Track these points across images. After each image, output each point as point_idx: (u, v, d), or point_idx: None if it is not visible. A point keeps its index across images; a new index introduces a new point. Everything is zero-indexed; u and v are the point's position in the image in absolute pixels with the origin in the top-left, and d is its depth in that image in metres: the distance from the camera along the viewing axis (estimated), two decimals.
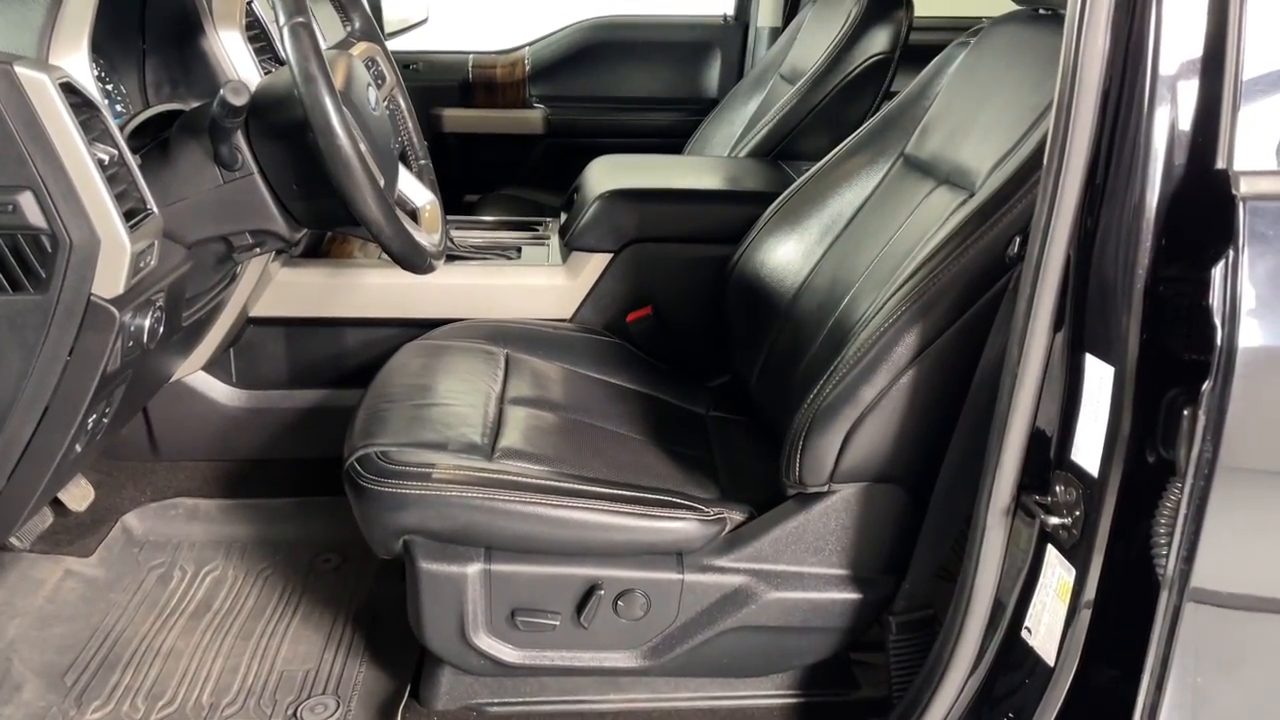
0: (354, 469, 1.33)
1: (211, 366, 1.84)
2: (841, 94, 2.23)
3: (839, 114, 2.23)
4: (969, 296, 1.23)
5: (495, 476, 1.31)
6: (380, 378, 1.59)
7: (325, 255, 1.92)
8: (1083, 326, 1.06)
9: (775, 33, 2.86)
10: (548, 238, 2.02)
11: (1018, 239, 1.20)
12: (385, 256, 1.62)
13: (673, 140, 2.81)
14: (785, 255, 1.70)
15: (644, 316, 1.85)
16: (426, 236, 1.43)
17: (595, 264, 1.87)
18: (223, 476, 1.90)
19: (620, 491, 1.33)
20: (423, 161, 1.61)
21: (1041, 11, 1.50)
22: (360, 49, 1.49)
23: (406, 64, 2.95)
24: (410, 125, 1.60)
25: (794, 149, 2.25)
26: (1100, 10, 0.98)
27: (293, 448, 1.89)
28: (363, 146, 1.24)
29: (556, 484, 1.32)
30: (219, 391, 1.86)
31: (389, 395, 1.52)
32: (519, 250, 1.96)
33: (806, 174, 1.77)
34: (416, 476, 1.29)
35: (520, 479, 1.32)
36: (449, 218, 2.00)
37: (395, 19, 2.93)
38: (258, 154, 1.29)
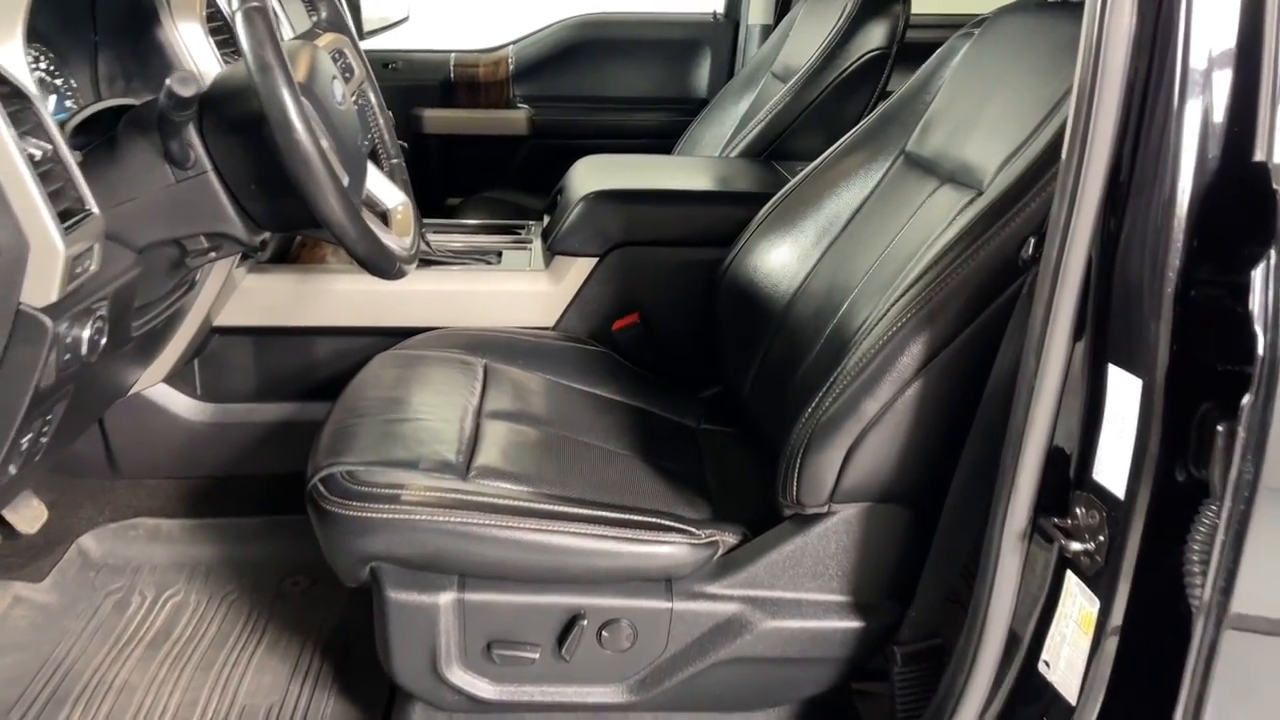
0: (317, 490, 1.23)
1: (174, 378, 1.74)
2: (836, 91, 2.14)
3: (834, 112, 2.15)
4: (979, 302, 1.14)
5: (469, 498, 1.21)
6: (350, 390, 1.49)
7: (295, 260, 1.83)
8: (1106, 335, 0.98)
9: (766, 30, 2.77)
10: (530, 241, 1.93)
11: (1031, 240, 1.11)
12: None
13: (661, 141, 2.72)
14: (779, 259, 1.62)
15: (631, 324, 1.76)
16: (397, 240, 1.34)
17: (579, 269, 1.78)
18: (186, 495, 1.80)
19: (604, 513, 1.24)
20: (395, 161, 1.52)
21: None
22: (326, 40, 1.40)
23: (386, 63, 2.86)
24: (381, 122, 1.51)
25: (787, 149, 2.16)
26: None
27: (261, 463, 1.79)
28: (324, 142, 1.15)
29: (535, 506, 1.22)
30: (182, 405, 1.76)
31: (358, 409, 1.42)
32: (499, 255, 1.86)
33: (801, 174, 1.68)
34: (384, 499, 1.19)
35: (496, 501, 1.22)
36: (426, 221, 1.91)
37: (375, 17, 2.84)
38: (212, 151, 1.19)
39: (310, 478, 1.26)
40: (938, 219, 1.32)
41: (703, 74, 2.95)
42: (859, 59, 2.15)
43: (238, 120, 1.17)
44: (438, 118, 2.86)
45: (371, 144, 1.50)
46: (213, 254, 1.26)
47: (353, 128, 1.32)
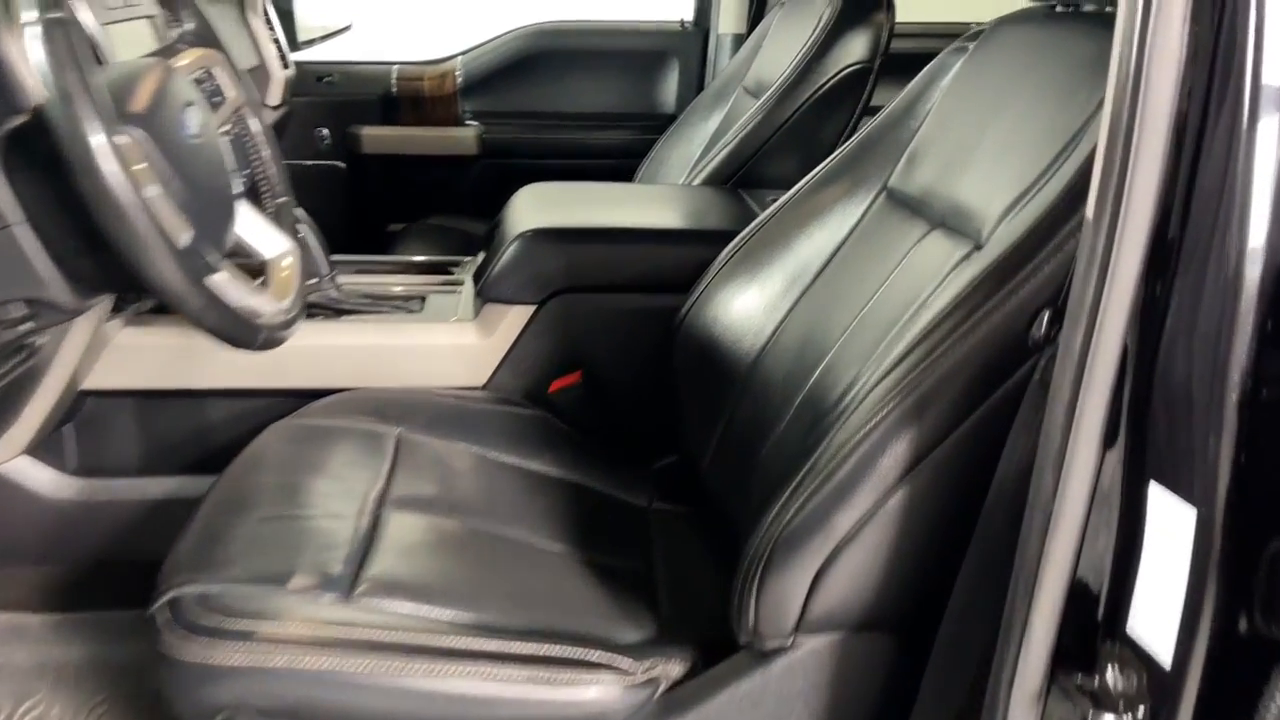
0: (159, 618, 0.99)
1: (38, 450, 1.49)
2: (812, 110, 1.91)
3: (809, 134, 1.91)
4: (979, 390, 0.92)
5: (346, 633, 0.97)
6: (227, 476, 1.25)
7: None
8: (1146, 446, 0.75)
9: (739, 40, 2.54)
10: (462, 283, 1.68)
11: (1045, 314, 0.88)
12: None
13: (625, 161, 2.49)
14: (744, 309, 1.38)
15: (571, 385, 1.52)
16: (272, 301, 1.10)
17: (513, 319, 1.54)
18: (53, 585, 1.54)
19: (518, 646, 1.00)
20: (282, 200, 1.28)
21: (1059, 8, 1.19)
22: (189, 58, 1.16)
23: (320, 76, 2.61)
24: (266, 154, 1.27)
25: (757, 174, 1.92)
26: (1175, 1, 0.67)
27: (142, 547, 1.53)
28: (151, 190, 0.91)
29: (430, 642, 0.98)
30: (46, 481, 1.51)
31: (231, 502, 1.19)
32: (423, 300, 1.62)
33: (770, 209, 1.45)
34: (234, 637, 0.95)
35: (380, 635, 0.98)
36: (339, 259, 1.67)
37: (313, 26, 2.60)
38: (22, 197, 0.95)
39: (155, 599, 1.02)
40: (927, 275, 1.09)
41: (670, 88, 2.71)
42: (837, 74, 1.91)
43: (51, 160, 0.94)
44: (378, 136, 2.61)
45: (250, 181, 1.26)
46: (29, 324, 1.02)
47: (212, 165, 1.08)
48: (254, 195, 1.26)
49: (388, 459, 1.31)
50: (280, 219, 1.26)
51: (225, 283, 1.02)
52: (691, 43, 2.69)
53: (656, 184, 2.27)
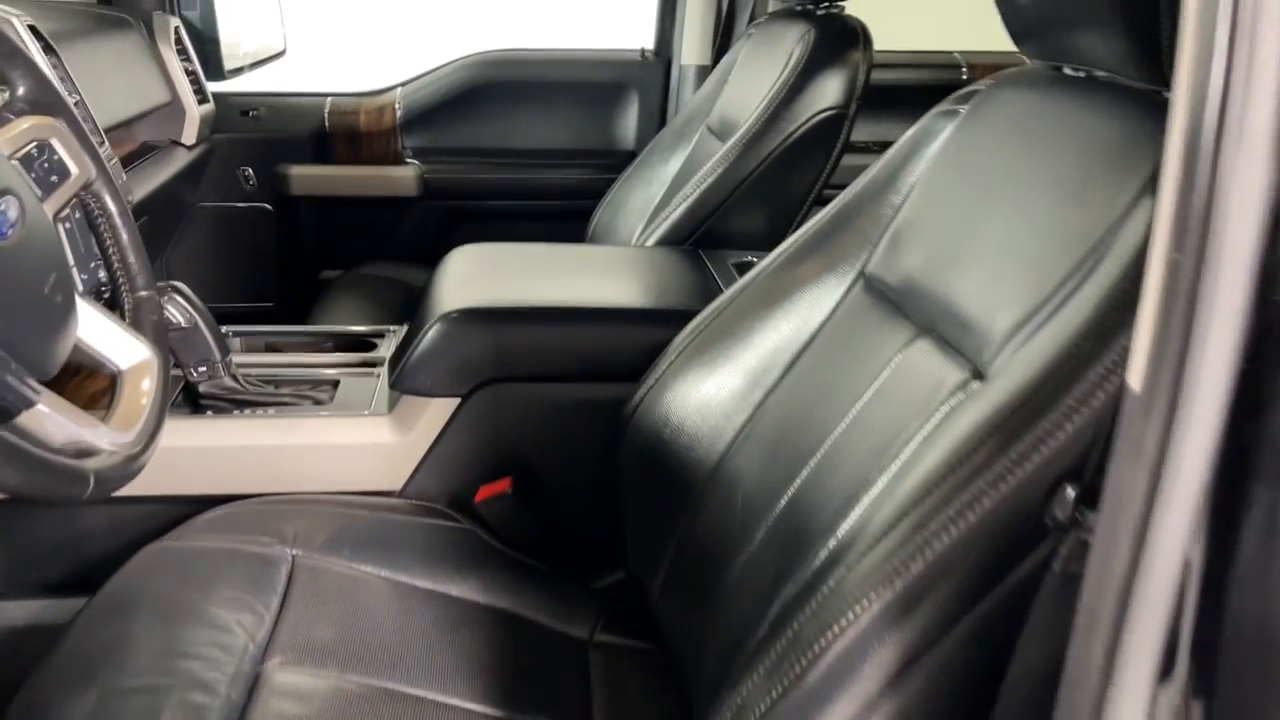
0: None
1: None
2: (781, 161, 1.71)
3: (778, 187, 1.72)
4: (984, 578, 0.72)
5: None
6: (82, 622, 1.05)
7: None
8: (1212, 693, 0.57)
9: (704, 72, 2.35)
10: (381, 363, 1.47)
11: (1070, 493, 0.69)
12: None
13: (580, 203, 2.29)
14: (701, 406, 1.19)
15: (501, 494, 1.31)
16: (113, 432, 0.90)
17: (435, 413, 1.33)
18: None
19: None
20: (144, 293, 1.06)
21: (1068, 70, 1.01)
22: (17, 130, 0.94)
23: (245, 110, 2.39)
24: (125, 239, 1.06)
25: (720, 232, 1.73)
26: (1262, 96, 0.47)
27: (5, 681, 1.33)
28: None
29: None
30: None
31: (80, 662, 0.98)
32: (336, 385, 1.41)
33: (733, 287, 1.26)
34: None
35: None
36: (238, 330, 1.47)
37: (243, 51, 2.39)
38: None
39: None
40: (917, 400, 0.89)
41: (629, 123, 2.51)
42: (808, 120, 1.71)
43: None
44: (308, 176, 2.40)
45: (106, 273, 1.05)
46: None
47: (34, 266, 0.86)
48: (112, 289, 1.05)
49: (277, 594, 1.11)
50: (139, 319, 1.05)
51: (44, 419, 0.82)
52: (653, 74, 2.49)
53: (613, 236, 2.08)
